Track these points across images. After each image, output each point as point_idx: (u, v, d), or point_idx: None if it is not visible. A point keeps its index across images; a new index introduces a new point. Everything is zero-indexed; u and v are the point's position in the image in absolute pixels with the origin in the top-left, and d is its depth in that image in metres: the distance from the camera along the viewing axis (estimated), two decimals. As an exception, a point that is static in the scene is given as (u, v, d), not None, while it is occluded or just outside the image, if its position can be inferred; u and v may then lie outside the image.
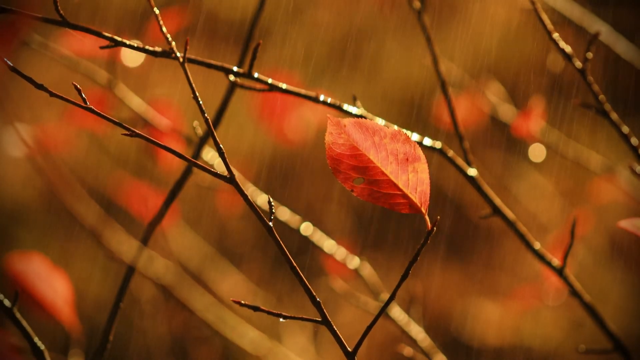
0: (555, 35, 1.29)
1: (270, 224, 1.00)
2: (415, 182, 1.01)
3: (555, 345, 3.52)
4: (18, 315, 1.23)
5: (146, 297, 2.67)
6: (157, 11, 1.08)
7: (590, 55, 1.28)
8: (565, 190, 3.55)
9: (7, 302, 1.23)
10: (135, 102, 1.86)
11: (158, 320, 3.04)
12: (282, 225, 1.74)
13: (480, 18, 3.95)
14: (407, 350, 1.70)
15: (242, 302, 1.01)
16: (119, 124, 0.98)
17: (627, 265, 3.59)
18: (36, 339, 1.25)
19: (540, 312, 3.53)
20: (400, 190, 1.01)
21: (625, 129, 1.31)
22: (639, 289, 3.57)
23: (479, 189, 1.38)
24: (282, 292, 3.55)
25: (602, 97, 1.31)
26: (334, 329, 1.01)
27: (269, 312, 1.01)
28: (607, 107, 1.31)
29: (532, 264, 3.49)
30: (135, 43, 1.15)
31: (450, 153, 1.35)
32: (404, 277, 1.01)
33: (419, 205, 1.01)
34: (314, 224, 1.83)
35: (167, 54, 1.14)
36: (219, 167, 1.67)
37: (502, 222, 1.40)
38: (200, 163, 1.00)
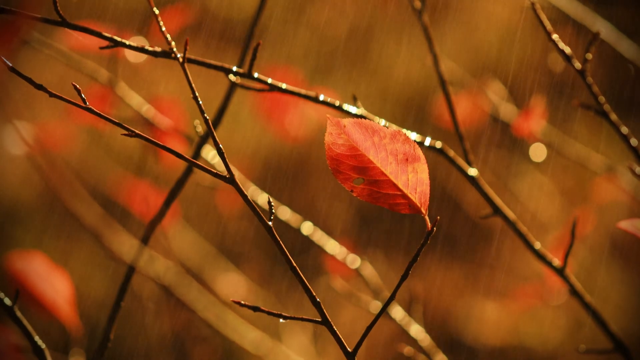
0: (555, 36, 1.29)
1: (270, 223, 1.00)
2: (415, 183, 1.01)
3: (555, 345, 3.52)
4: (19, 314, 1.23)
5: (147, 296, 2.67)
6: (156, 11, 1.08)
7: (589, 56, 1.28)
8: (566, 190, 3.55)
9: (7, 301, 1.23)
10: (136, 101, 1.86)
11: (159, 319, 3.04)
12: (282, 224, 1.74)
13: (480, 17, 3.95)
14: (408, 350, 1.70)
15: (242, 302, 1.01)
16: (119, 124, 0.98)
17: (627, 265, 3.59)
18: (37, 338, 1.25)
19: (540, 312, 3.53)
20: (400, 190, 1.01)
21: (625, 130, 1.31)
22: (638, 289, 3.57)
23: (479, 189, 1.38)
24: (282, 291, 3.55)
25: (601, 98, 1.31)
26: (334, 329, 1.01)
27: (269, 313, 1.01)
28: (607, 107, 1.31)
29: (532, 263, 3.49)
30: (135, 42, 1.15)
31: (451, 153, 1.35)
32: (404, 277, 1.01)
33: (419, 205, 1.01)
34: (315, 223, 1.83)
35: (167, 54, 1.14)
36: (220, 166, 1.67)
37: (502, 221, 1.40)
38: (200, 163, 1.00)
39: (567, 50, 1.29)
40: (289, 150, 3.78)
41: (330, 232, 1.91)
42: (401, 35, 3.95)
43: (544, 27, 1.29)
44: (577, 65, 1.30)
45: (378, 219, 3.78)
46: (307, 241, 1.79)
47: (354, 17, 4.02)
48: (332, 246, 1.78)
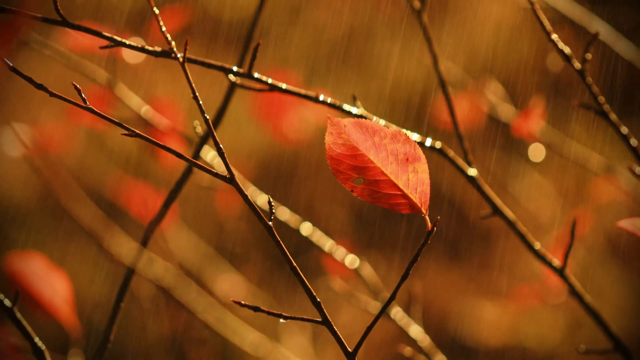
0: (554, 36, 1.29)
1: (270, 223, 1.00)
2: (415, 183, 1.01)
3: (553, 346, 3.52)
4: (19, 315, 1.23)
5: (145, 298, 2.67)
6: (156, 11, 1.08)
7: (589, 56, 1.28)
8: (565, 190, 3.55)
9: (7, 302, 1.23)
10: (135, 102, 1.86)
11: (157, 320, 3.04)
12: (281, 225, 1.74)
13: (479, 17, 3.95)
14: (407, 350, 1.70)
15: (243, 302, 1.01)
16: (119, 124, 0.98)
17: (626, 265, 3.59)
18: (36, 339, 1.25)
19: (538, 313, 3.53)
20: (400, 190, 1.01)
21: (625, 130, 1.31)
22: (638, 289, 3.57)
23: (479, 189, 1.38)
24: (280, 292, 3.55)
25: (601, 98, 1.31)
26: (334, 329, 1.01)
27: (269, 313, 1.01)
28: (607, 107, 1.31)
29: (530, 264, 3.49)
30: (135, 42, 1.14)
31: (451, 153, 1.35)
32: (404, 277, 1.00)
33: (419, 205, 1.01)
34: (314, 224, 1.82)
35: (167, 54, 1.14)
36: (219, 166, 1.67)
37: (500, 222, 1.40)
38: (200, 163, 1.00)
39: (567, 50, 1.29)
40: (287, 152, 3.78)
41: (329, 233, 1.91)
42: (399, 36, 3.95)
43: (544, 27, 1.29)
44: (577, 65, 1.30)
45: (377, 219, 3.78)
46: (306, 242, 1.79)
47: (351, 18, 4.02)
48: (331, 247, 1.78)
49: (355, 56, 3.98)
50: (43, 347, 1.26)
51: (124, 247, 1.97)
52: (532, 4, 1.30)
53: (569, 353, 3.45)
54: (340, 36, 4.02)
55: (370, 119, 1.20)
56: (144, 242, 1.41)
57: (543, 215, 3.38)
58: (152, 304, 2.82)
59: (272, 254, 3.62)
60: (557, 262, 1.41)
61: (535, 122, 2.23)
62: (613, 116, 1.31)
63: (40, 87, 1.00)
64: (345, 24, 4.02)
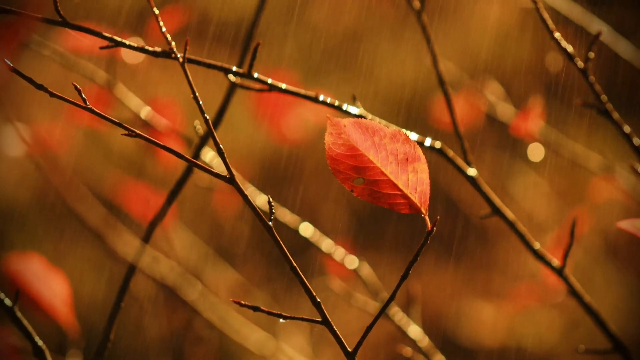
0: (557, 34, 1.29)
1: (270, 224, 1.00)
2: (415, 182, 1.01)
3: (550, 346, 3.52)
4: (19, 314, 1.23)
5: (145, 297, 2.67)
6: (156, 11, 1.08)
7: (592, 55, 1.28)
8: (563, 190, 3.55)
9: (7, 302, 1.23)
10: (135, 102, 1.86)
11: (158, 320, 3.04)
12: (279, 224, 1.74)
13: (478, 17, 3.95)
14: (407, 350, 1.70)
15: (242, 302, 1.01)
16: (119, 124, 0.98)
17: (624, 265, 3.59)
18: (37, 339, 1.25)
19: (535, 313, 3.53)
20: (400, 190, 1.01)
21: (627, 129, 1.31)
22: (635, 289, 3.58)
23: (478, 189, 1.38)
24: (278, 291, 3.55)
25: (603, 97, 1.31)
26: (334, 329, 1.01)
27: (269, 313, 1.01)
28: (609, 106, 1.31)
29: (528, 264, 3.49)
30: (135, 42, 1.14)
31: (450, 153, 1.35)
32: (403, 277, 1.00)
33: (419, 205, 1.01)
34: (313, 224, 1.82)
35: (167, 54, 1.14)
36: (219, 166, 1.67)
37: (499, 222, 1.40)
38: (199, 163, 1.00)
39: (570, 48, 1.29)
40: (287, 153, 3.78)
41: (328, 234, 1.91)
42: (398, 36, 3.95)
43: (547, 26, 1.29)
44: (580, 64, 1.30)
45: (376, 220, 3.78)
46: (306, 242, 1.79)
47: (348, 18, 4.02)
48: (331, 247, 1.78)
49: (355, 56, 3.98)
50: (44, 347, 1.26)
51: (129, 245, 1.97)
52: (535, 2, 1.30)
53: (567, 353, 3.45)
54: (340, 36, 4.02)
55: (370, 119, 1.20)
56: (145, 241, 1.41)
57: (541, 215, 3.38)
58: (153, 304, 2.82)
59: (270, 254, 3.62)
60: (556, 262, 1.41)
61: (534, 121, 2.23)
62: (615, 115, 1.31)
63: (40, 87, 1.00)
64: (345, 23, 4.02)
